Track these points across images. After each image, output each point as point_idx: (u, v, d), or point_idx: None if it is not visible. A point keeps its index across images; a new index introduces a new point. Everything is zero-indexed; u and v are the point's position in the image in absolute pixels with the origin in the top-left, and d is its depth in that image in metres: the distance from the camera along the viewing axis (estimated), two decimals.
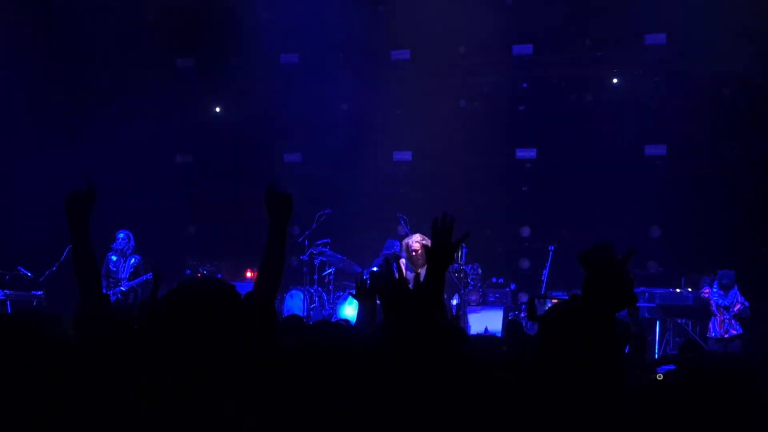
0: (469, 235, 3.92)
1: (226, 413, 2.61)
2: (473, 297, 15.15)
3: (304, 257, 15.45)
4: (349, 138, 17.31)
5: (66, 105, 17.31)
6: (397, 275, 3.58)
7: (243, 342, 2.77)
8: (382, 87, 17.53)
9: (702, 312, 14.07)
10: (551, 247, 14.50)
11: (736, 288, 13.74)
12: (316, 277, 15.46)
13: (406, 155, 17.79)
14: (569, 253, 15.08)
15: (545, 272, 14.41)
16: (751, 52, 15.59)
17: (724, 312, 13.69)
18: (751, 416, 3.76)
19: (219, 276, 15.89)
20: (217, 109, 18.26)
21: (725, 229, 15.68)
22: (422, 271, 11.92)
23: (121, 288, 13.25)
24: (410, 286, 3.63)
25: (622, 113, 16.13)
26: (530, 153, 17.34)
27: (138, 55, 17.28)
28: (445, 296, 14.49)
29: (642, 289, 14.82)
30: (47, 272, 14.14)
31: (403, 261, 12.54)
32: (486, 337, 9.12)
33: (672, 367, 6.79)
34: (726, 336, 13.54)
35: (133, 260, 13.47)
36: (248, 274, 16.62)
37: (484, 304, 15.21)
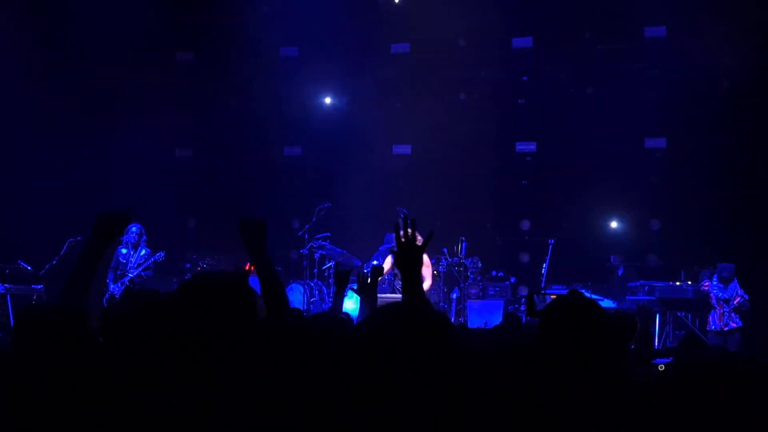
0: (433, 234, 3.94)
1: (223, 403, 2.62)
2: (473, 290, 15.17)
3: (304, 251, 15.45)
4: (349, 131, 17.31)
5: (66, 99, 17.27)
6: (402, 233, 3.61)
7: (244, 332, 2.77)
8: (382, 80, 17.51)
9: (702, 305, 14.08)
10: (551, 241, 14.49)
11: (735, 281, 13.75)
12: (315, 270, 15.47)
13: (405, 149, 17.78)
14: (569, 247, 15.17)
15: (545, 266, 14.41)
16: (750, 45, 15.58)
17: (724, 305, 13.70)
18: (749, 414, 3.76)
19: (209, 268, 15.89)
20: (217, 103, 18.20)
21: (725, 222, 15.69)
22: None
23: (130, 275, 13.29)
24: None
25: (622, 106, 16.11)
26: (530, 146, 17.34)
27: (137, 49, 17.27)
28: (445, 289, 14.60)
29: (642, 282, 14.84)
30: (47, 266, 14.14)
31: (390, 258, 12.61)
32: (485, 330, 9.14)
33: (670, 359, 6.81)
34: (725, 329, 13.55)
35: (143, 252, 13.53)
36: (248, 268, 16.59)
37: (484, 297, 15.22)
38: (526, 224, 17.54)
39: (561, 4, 16.59)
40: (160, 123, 17.42)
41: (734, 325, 13.57)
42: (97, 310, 4.32)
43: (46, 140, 16.83)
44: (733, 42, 15.65)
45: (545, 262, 14.48)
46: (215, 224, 17.78)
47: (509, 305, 15.15)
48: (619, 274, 15.79)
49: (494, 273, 16.20)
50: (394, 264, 12.23)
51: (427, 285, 12.35)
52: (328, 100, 17.84)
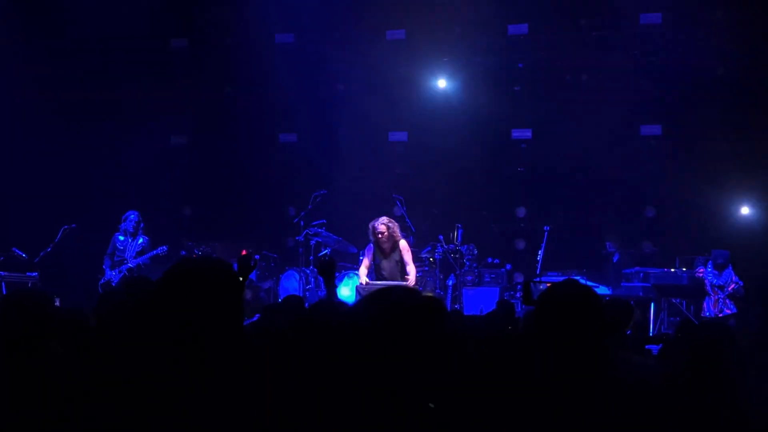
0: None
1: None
2: (469, 277, 15.19)
3: (300, 238, 15.45)
4: (345, 118, 17.29)
5: (59, 86, 17.26)
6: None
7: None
8: (378, 67, 17.48)
9: (696, 291, 14.12)
10: (546, 228, 14.50)
11: (730, 267, 13.80)
12: (312, 257, 15.46)
13: (401, 135, 17.77)
14: (564, 234, 15.18)
15: (540, 252, 14.42)
16: (746, 31, 15.59)
17: (719, 291, 13.75)
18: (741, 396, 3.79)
19: (214, 256, 15.87)
20: (212, 90, 18.16)
21: (720, 209, 15.72)
22: (390, 254, 12.08)
23: (129, 265, 13.31)
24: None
25: (618, 93, 16.09)
26: (526, 133, 17.35)
27: (132, 36, 17.22)
28: (441, 276, 14.62)
29: (637, 269, 14.87)
30: (42, 253, 14.15)
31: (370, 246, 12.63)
32: (479, 316, 9.17)
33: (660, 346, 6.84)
34: (720, 315, 13.59)
35: (141, 240, 13.54)
36: (244, 254, 16.59)
37: (480, 284, 15.24)
38: (521, 211, 17.56)
39: None
40: (155, 110, 17.40)
41: (729, 311, 13.62)
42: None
43: (40, 127, 16.79)
44: (728, 28, 15.67)
45: (541, 249, 14.48)
46: (211, 212, 17.81)
47: (505, 292, 15.18)
48: (615, 260, 15.81)
49: (490, 260, 16.23)
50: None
51: (413, 271, 12.25)
52: (323, 87, 17.78)
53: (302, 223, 15.41)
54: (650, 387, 3.60)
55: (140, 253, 13.43)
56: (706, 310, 13.84)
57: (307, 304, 12.72)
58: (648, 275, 14.57)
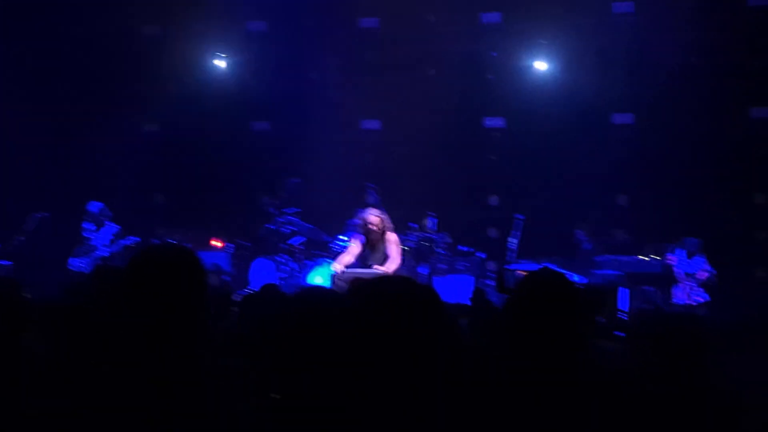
0: None
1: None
2: (442, 266, 15.21)
3: (273, 226, 15.41)
4: (318, 106, 17.24)
5: (28, 73, 17.12)
6: None
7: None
8: (351, 55, 17.46)
9: (667, 279, 14.23)
10: (519, 216, 14.53)
11: (701, 255, 13.91)
12: (284, 246, 15.43)
13: (374, 124, 17.76)
14: (537, 222, 15.23)
15: (514, 241, 14.46)
16: (719, 20, 15.70)
17: (690, 279, 13.86)
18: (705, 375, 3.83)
19: (188, 246, 15.81)
20: (184, 77, 18.04)
21: (691, 197, 15.84)
22: (378, 245, 12.13)
23: (101, 253, 13.28)
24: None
25: (590, 82, 16.16)
26: (498, 122, 17.38)
27: (104, 23, 17.10)
28: (414, 265, 14.64)
29: (609, 256, 14.94)
30: (15, 242, 14.05)
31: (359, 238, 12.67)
32: (452, 305, 9.18)
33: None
34: (691, 303, 13.71)
35: (112, 229, 13.51)
36: (216, 244, 16.57)
37: (453, 272, 15.27)
38: (494, 199, 17.60)
39: None
40: (128, 97, 17.30)
41: (700, 299, 13.74)
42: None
43: (7, 115, 16.64)
44: (701, 17, 15.76)
45: (514, 237, 14.51)
46: (183, 200, 17.72)
47: (478, 280, 15.21)
48: (586, 248, 15.87)
49: (463, 248, 16.26)
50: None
51: (396, 263, 12.32)
52: (295, 75, 17.71)
53: (275, 211, 15.37)
54: (624, 374, 3.64)
55: (112, 242, 13.41)
56: (676, 297, 13.95)
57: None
58: (619, 263, 14.64)
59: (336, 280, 11.95)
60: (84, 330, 3.65)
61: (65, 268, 13.77)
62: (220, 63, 17.68)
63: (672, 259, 14.08)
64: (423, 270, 15.17)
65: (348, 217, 14.89)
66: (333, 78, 17.41)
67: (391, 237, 12.42)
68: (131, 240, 13.45)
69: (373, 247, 12.41)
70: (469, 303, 9.00)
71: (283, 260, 15.24)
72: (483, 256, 16.39)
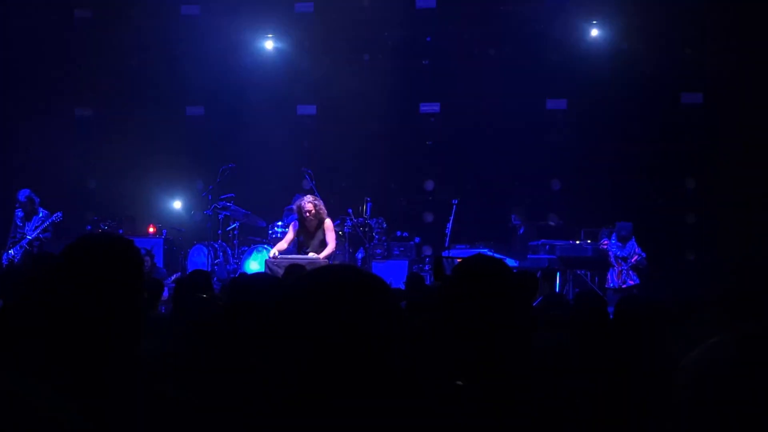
0: None
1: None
2: (378, 250, 15.25)
3: (208, 212, 15.32)
4: (253, 91, 17.14)
5: None
6: None
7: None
8: (286, 39, 17.39)
9: (601, 263, 14.42)
10: (454, 201, 14.60)
11: (633, 239, 14.13)
12: (220, 231, 15.35)
13: (310, 109, 17.72)
14: (472, 207, 15.34)
15: (449, 226, 14.53)
16: (649, 6, 15.91)
17: (622, 263, 14.06)
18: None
19: (120, 232, 15.68)
20: (117, 62, 17.80)
21: (623, 182, 16.06)
22: (315, 232, 12.16)
23: (28, 237, 13.13)
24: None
25: (524, 67, 16.29)
26: (434, 107, 17.45)
27: (35, 6, 16.81)
28: (350, 250, 14.66)
29: (543, 241, 15.08)
30: None
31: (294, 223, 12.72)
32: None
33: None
34: (624, 286, 13.91)
35: (41, 214, 13.38)
36: (150, 230, 16.42)
37: (389, 257, 15.32)
38: (430, 184, 17.68)
39: None
40: (60, 81, 17.05)
41: (632, 282, 13.95)
42: None
43: None
44: (631, 3, 15.98)
45: (449, 222, 14.59)
46: (116, 185, 17.49)
47: (413, 265, 15.28)
48: (520, 233, 16.02)
49: (399, 233, 16.31)
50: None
51: (330, 249, 12.40)
52: (230, 60, 17.57)
53: (210, 197, 15.28)
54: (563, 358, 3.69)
55: (39, 228, 13.28)
56: (610, 281, 14.15)
57: (215, 278, 12.68)
58: (553, 247, 14.79)
59: (271, 265, 11.94)
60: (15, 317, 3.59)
61: None
62: (268, 44, 17.44)
63: (606, 243, 14.27)
64: (359, 255, 15.21)
65: (284, 203, 14.87)
66: (268, 62, 17.32)
67: (327, 223, 12.50)
68: (55, 216, 13.30)
69: (309, 234, 12.47)
70: (403, 288, 9.04)
71: (218, 246, 15.17)
72: (418, 240, 16.47)
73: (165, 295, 11.33)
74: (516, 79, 16.16)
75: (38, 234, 13.21)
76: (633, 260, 14.01)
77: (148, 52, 17.60)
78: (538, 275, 9.24)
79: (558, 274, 14.60)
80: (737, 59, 15.61)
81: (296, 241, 12.53)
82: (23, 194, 13.49)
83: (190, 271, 12.47)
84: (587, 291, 12.56)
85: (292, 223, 12.81)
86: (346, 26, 16.95)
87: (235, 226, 15.42)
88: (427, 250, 16.57)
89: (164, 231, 16.21)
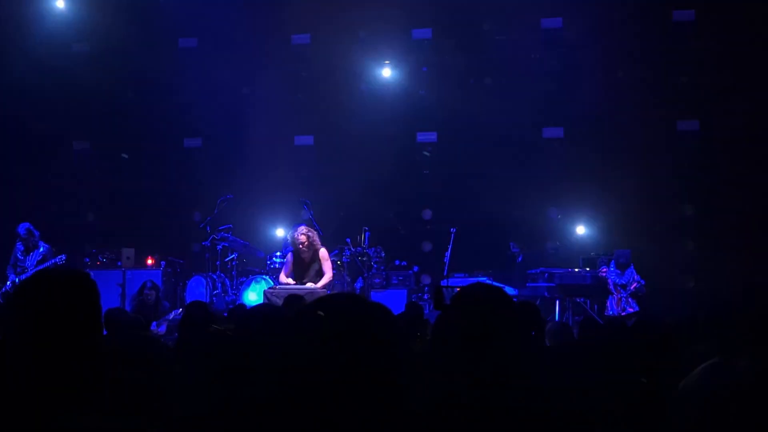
0: None
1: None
2: (377, 280, 15.24)
3: (206, 243, 15.32)
4: (250, 122, 17.19)
5: None
6: None
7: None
8: (283, 71, 17.45)
9: (600, 291, 14.40)
10: (453, 230, 14.61)
11: (632, 267, 14.12)
12: (218, 263, 15.34)
13: (307, 139, 17.75)
14: (470, 235, 15.33)
15: (447, 254, 14.53)
16: (644, 34, 16.01)
17: (621, 290, 14.05)
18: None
19: (119, 264, 15.68)
20: (115, 94, 17.86)
21: (622, 209, 16.05)
22: (310, 263, 12.19)
23: (30, 273, 13.14)
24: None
25: (520, 96, 16.32)
26: (431, 137, 17.48)
27: (33, 40, 16.87)
28: (349, 279, 14.65)
29: (541, 269, 15.07)
30: None
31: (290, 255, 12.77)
32: None
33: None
34: (623, 314, 13.88)
35: (41, 248, 13.44)
36: (149, 262, 16.41)
37: (388, 286, 15.30)
38: (428, 213, 17.68)
39: None
40: (57, 114, 17.10)
41: (631, 309, 13.92)
42: None
43: None
44: (627, 31, 16.06)
45: (447, 250, 14.59)
46: (115, 218, 17.50)
47: (412, 294, 15.27)
48: (519, 261, 16.02)
49: (397, 262, 16.29)
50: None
51: (327, 278, 12.44)
52: (227, 91, 17.63)
53: (208, 228, 15.28)
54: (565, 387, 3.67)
55: (40, 262, 13.31)
56: (609, 308, 14.12)
57: (214, 309, 12.65)
58: (552, 275, 14.78)
59: (270, 296, 11.95)
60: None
61: None
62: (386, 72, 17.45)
63: (605, 271, 14.27)
64: (358, 285, 15.20)
65: (283, 233, 14.87)
66: (265, 94, 17.37)
67: (322, 253, 12.56)
68: (60, 258, 13.35)
69: (304, 264, 12.52)
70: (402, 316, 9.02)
71: (217, 277, 15.16)
72: (417, 269, 16.46)
73: (163, 329, 11.35)
74: (512, 107, 16.19)
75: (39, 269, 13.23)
76: (632, 287, 14.00)
77: (144, 84, 17.66)
78: (537, 304, 9.24)
79: (557, 301, 14.65)
80: (733, 85, 15.67)
81: (292, 274, 12.58)
82: (23, 228, 13.52)
83: (188, 302, 12.46)
84: (588, 318, 12.54)
85: (288, 254, 12.86)
86: (343, 57, 17.04)
87: (233, 257, 15.42)
88: (426, 279, 16.55)
89: (162, 263, 16.19)
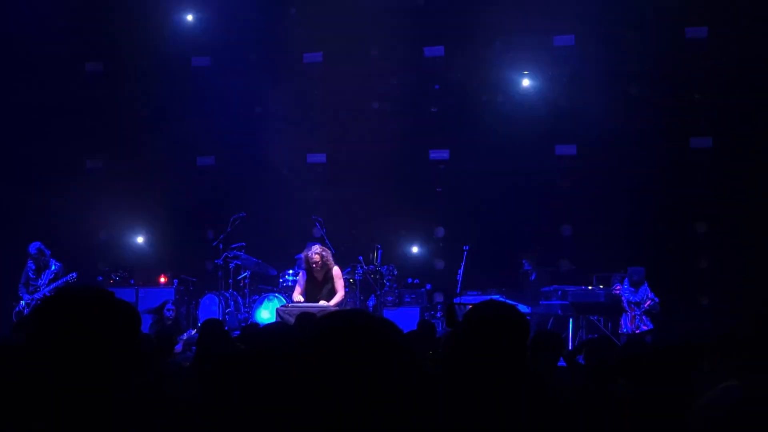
0: None
1: None
2: (389, 298, 15.21)
3: (219, 261, 15.31)
4: (263, 140, 17.21)
5: None
6: None
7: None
8: (295, 89, 17.48)
9: (614, 308, 14.32)
10: (465, 247, 14.58)
11: (646, 284, 14.04)
12: (231, 281, 15.34)
13: (320, 157, 17.76)
14: (483, 253, 15.30)
15: (460, 272, 14.50)
16: (658, 53, 15.98)
17: (635, 308, 13.97)
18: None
19: (131, 282, 15.70)
20: (128, 113, 17.94)
21: (634, 227, 15.98)
22: (323, 282, 12.21)
23: (44, 292, 13.17)
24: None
25: (533, 114, 16.31)
26: (443, 154, 17.46)
27: (47, 59, 16.96)
28: (362, 297, 14.64)
29: (555, 287, 15.02)
30: None
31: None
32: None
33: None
34: (637, 332, 13.81)
35: (53, 267, 13.48)
36: (162, 280, 16.43)
37: (400, 304, 15.27)
38: (440, 231, 17.64)
39: (471, 13, 16.74)
40: (70, 133, 17.17)
41: (645, 327, 13.85)
42: None
43: None
44: (640, 49, 16.04)
45: (460, 268, 14.56)
46: (127, 236, 17.54)
47: (425, 312, 15.23)
48: (532, 279, 15.96)
49: (410, 280, 16.26)
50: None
51: (340, 296, 12.46)
52: (241, 110, 17.67)
53: (221, 246, 15.29)
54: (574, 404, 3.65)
55: (52, 281, 13.34)
56: (623, 326, 14.05)
57: (226, 327, 12.66)
58: (566, 293, 14.73)
59: (282, 314, 11.94)
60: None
61: (8, 307, 13.63)
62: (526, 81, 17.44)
63: (619, 289, 14.20)
64: (370, 302, 15.18)
65: (295, 251, 14.86)
66: (278, 112, 17.39)
67: (335, 271, 12.59)
68: (71, 276, 13.38)
69: (318, 282, 12.54)
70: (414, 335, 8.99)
71: (230, 295, 15.16)
72: (429, 287, 16.43)
73: (179, 347, 11.35)
74: (524, 125, 16.17)
75: (52, 288, 13.25)
76: (646, 305, 13.92)
77: (157, 103, 17.73)
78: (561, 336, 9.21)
79: (570, 319, 14.59)
80: (746, 102, 15.63)
81: (305, 292, 12.60)
82: (34, 247, 13.56)
83: (202, 320, 12.49)
84: (600, 337, 12.48)
85: (301, 273, 12.89)
86: (355, 74, 17.06)
87: (246, 275, 15.41)
88: (439, 297, 16.50)
89: (175, 281, 16.20)
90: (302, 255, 13.01)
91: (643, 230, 16.04)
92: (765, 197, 15.31)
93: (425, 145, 17.46)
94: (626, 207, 16.01)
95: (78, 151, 17.61)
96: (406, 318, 14.47)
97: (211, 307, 15.06)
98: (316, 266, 12.48)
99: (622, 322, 14.12)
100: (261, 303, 14.59)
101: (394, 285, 15.47)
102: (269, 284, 15.49)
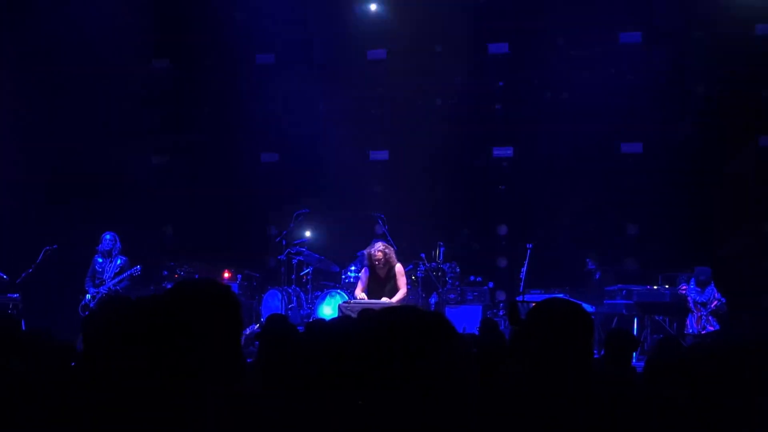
0: None
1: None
2: (451, 295, 15.16)
3: (282, 257, 15.38)
4: (326, 137, 17.29)
5: (45, 105, 17.17)
6: None
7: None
8: (359, 86, 17.52)
9: (679, 309, 14.15)
10: (529, 246, 14.48)
11: (713, 284, 13.84)
12: (294, 276, 15.41)
13: (383, 154, 17.78)
14: (547, 252, 15.19)
15: (523, 270, 14.40)
16: (719, 47, 15.75)
17: (701, 308, 13.78)
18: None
19: (196, 276, 15.83)
20: (193, 110, 18.13)
21: (702, 226, 15.76)
22: (386, 279, 12.22)
23: (108, 286, 13.31)
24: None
25: (598, 111, 16.15)
26: (507, 151, 17.37)
27: (113, 55, 17.16)
28: (423, 294, 14.63)
29: (620, 286, 14.88)
30: (23, 274, 14.02)
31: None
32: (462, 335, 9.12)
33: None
34: (703, 332, 13.62)
35: (119, 261, 13.57)
36: (226, 275, 16.56)
37: (463, 302, 15.22)
38: (503, 229, 17.55)
39: (536, 9, 16.65)
40: (138, 130, 17.38)
41: (711, 328, 13.65)
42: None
43: (20, 146, 16.64)
44: (703, 45, 15.83)
45: (523, 266, 14.46)
46: (192, 231, 17.71)
47: (487, 310, 15.16)
48: (597, 278, 15.81)
49: (472, 278, 16.20)
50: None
51: (402, 293, 12.45)
52: (304, 107, 17.76)
53: (284, 242, 15.36)
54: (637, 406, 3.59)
55: (117, 274, 13.45)
56: (689, 327, 13.87)
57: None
58: (631, 292, 14.58)
59: (345, 310, 11.97)
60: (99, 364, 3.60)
61: (73, 300, 13.78)
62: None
63: (685, 289, 14.02)
64: (432, 300, 15.15)
65: (357, 248, 14.89)
66: (341, 109, 17.46)
67: (398, 269, 12.59)
68: (135, 270, 13.47)
69: (380, 279, 12.55)
70: (477, 333, 8.96)
71: (292, 291, 15.22)
72: (492, 285, 16.36)
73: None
74: (589, 122, 16.04)
75: (116, 282, 13.38)
76: (713, 306, 13.72)
77: (223, 99, 17.88)
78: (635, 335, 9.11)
79: (636, 319, 14.43)
80: None
81: (367, 289, 12.62)
82: (109, 234, 13.66)
83: (265, 316, 12.56)
84: (667, 337, 12.33)
85: (363, 269, 12.91)
86: (418, 71, 17.05)
87: (308, 271, 15.47)
88: (501, 295, 16.42)
89: (239, 276, 16.32)
90: (365, 252, 13.02)
91: (710, 229, 15.80)
92: None
93: (489, 142, 17.39)
94: (693, 205, 15.80)
95: (144, 146, 17.81)
96: (468, 316, 14.43)
97: (273, 302, 15.14)
98: (379, 263, 12.50)
99: (687, 322, 13.94)
100: (323, 299, 14.64)
101: (456, 283, 15.42)
102: (331, 280, 15.53)
